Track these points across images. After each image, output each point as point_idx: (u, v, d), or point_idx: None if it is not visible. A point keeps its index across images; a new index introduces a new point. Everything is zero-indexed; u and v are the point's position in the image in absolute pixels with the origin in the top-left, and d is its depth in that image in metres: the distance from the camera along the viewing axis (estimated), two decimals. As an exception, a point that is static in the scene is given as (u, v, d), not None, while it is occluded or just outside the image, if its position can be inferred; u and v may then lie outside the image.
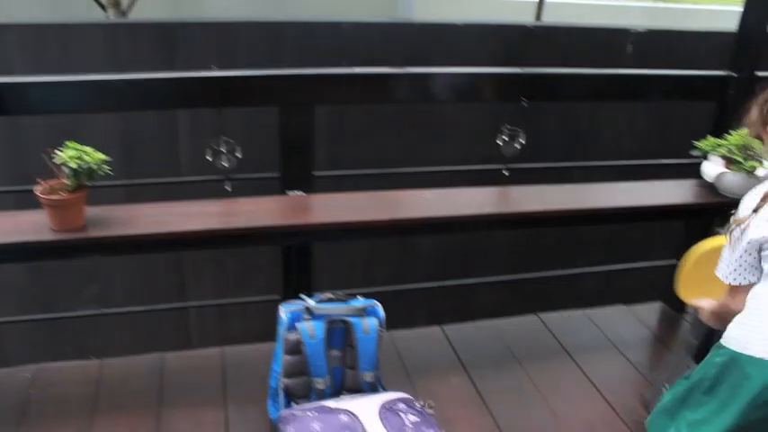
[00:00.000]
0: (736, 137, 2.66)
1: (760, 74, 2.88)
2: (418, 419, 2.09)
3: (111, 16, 6.54)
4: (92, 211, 2.25)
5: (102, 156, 2.15)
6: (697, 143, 2.77)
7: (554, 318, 3.18)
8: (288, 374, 2.30)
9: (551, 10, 8.08)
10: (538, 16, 7.87)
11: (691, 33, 5.64)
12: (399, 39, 4.83)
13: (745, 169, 2.56)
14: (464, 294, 4.49)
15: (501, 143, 2.67)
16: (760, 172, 2.63)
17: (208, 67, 2.49)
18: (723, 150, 2.67)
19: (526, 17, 7.97)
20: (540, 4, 7.89)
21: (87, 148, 2.14)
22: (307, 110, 2.53)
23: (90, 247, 2.23)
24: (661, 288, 3.31)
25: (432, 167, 3.23)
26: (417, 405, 2.19)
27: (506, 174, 2.72)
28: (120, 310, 3.33)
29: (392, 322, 2.45)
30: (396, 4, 9.06)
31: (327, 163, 4.04)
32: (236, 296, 4.56)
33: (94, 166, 2.12)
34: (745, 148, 2.60)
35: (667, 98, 3.11)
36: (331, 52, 4.55)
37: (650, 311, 3.28)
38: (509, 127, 2.65)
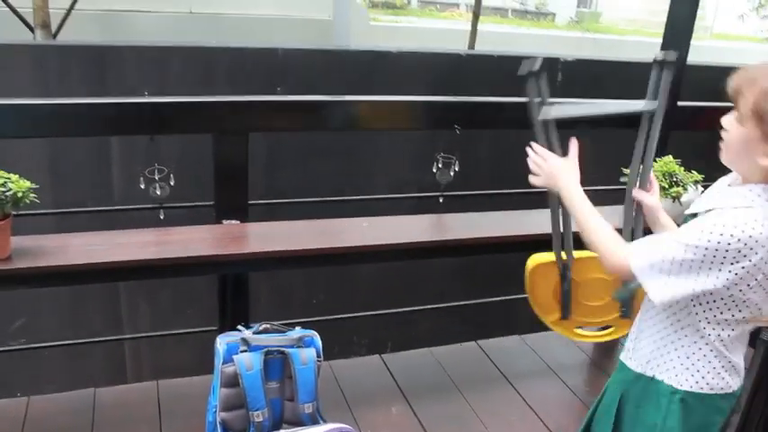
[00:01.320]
0: (662, 164, 2.75)
1: (681, 104, 3.00)
2: (358, 450, 2.07)
3: (39, 38, 6.36)
4: (18, 241, 2.17)
5: (28, 183, 2.08)
6: (625, 170, 2.86)
7: (492, 344, 3.21)
8: (225, 408, 2.24)
9: (484, 38, 8.27)
10: (471, 45, 8.03)
11: (617, 63, 5.84)
12: (335, 66, 4.85)
13: (670, 195, 2.65)
14: (404, 322, 4.50)
15: (436, 171, 2.69)
16: (684, 198, 2.73)
17: (140, 93, 2.45)
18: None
19: (460, 45, 8.13)
20: (474, 33, 8.06)
21: (12, 175, 2.07)
22: (241, 137, 2.51)
23: (16, 279, 2.15)
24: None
25: (367, 196, 3.24)
26: (357, 436, 2.16)
27: (441, 201, 2.75)
28: (48, 344, 3.21)
29: (332, 352, 2.43)
30: (332, 32, 9.12)
31: (263, 191, 4.00)
32: (173, 328, 4.45)
33: (20, 194, 2.05)
34: (669, 175, 2.69)
35: (595, 126, 3.19)
36: (266, 79, 4.54)
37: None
38: (444, 155, 2.68)
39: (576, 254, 2.27)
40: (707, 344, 1.53)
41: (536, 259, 2.36)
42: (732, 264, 1.38)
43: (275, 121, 2.71)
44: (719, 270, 1.39)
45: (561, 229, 2.20)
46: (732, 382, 1.58)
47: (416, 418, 2.66)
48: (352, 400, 2.72)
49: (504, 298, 3.72)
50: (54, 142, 4.27)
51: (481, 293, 3.58)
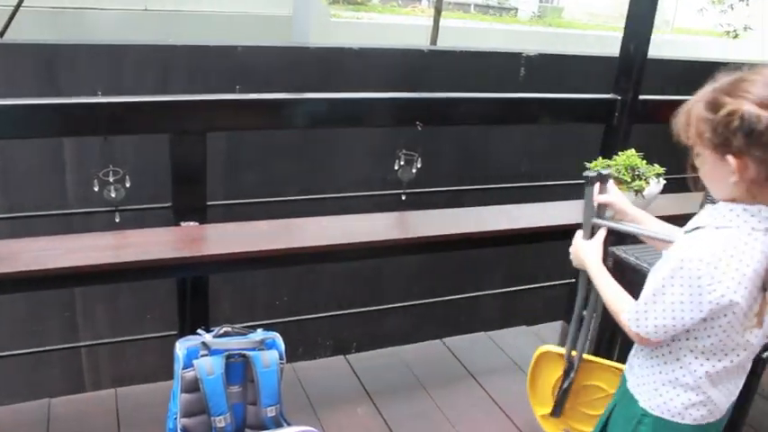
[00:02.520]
0: (624, 158, 2.76)
1: (643, 97, 3.02)
2: (323, 454, 2.04)
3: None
4: (-35, 249, 2.09)
5: (-26, 189, 2.00)
6: (588, 164, 2.87)
7: (458, 342, 3.20)
8: (186, 414, 2.19)
9: (446, 34, 8.27)
10: (433, 41, 8.03)
11: (580, 58, 5.89)
12: (295, 64, 4.80)
13: (632, 188, 2.66)
14: (368, 322, 4.47)
15: (398, 168, 2.67)
16: (647, 191, 2.74)
17: (93, 93, 2.38)
18: (612, 171, 2.77)
19: (422, 41, 8.13)
20: (436, 29, 8.06)
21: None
22: (199, 137, 2.45)
23: (-36, 288, 2.07)
24: (560, 307, 3.39)
25: (328, 195, 3.20)
26: (322, 439, 2.13)
27: (403, 198, 2.72)
28: (1, 354, 3.11)
29: (296, 353, 2.39)
30: (291, 29, 9.05)
31: (222, 192, 3.94)
32: (131, 333, 4.36)
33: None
34: (631, 169, 2.70)
35: (558, 121, 3.21)
36: (225, 77, 4.46)
37: (551, 330, 3.35)
38: (405, 152, 2.65)
39: (586, 356, 2.24)
40: (687, 374, 1.49)
41: (546, 348, 2.33)
42: (710, 293, 1.35)
43: (234, 120, 2.65)
44: (700, 302, 1.36)
45: (578, 325, 2.19)
46: (708, 415, 1.53)
47: (382, 418, 2.63)
48: (317, 402, 2.68)
49: (468, 295, 3.72)
50: (3, 145, 4.14)
51: (445, 291, 3.56)
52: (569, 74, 5.24)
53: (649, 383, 1.56)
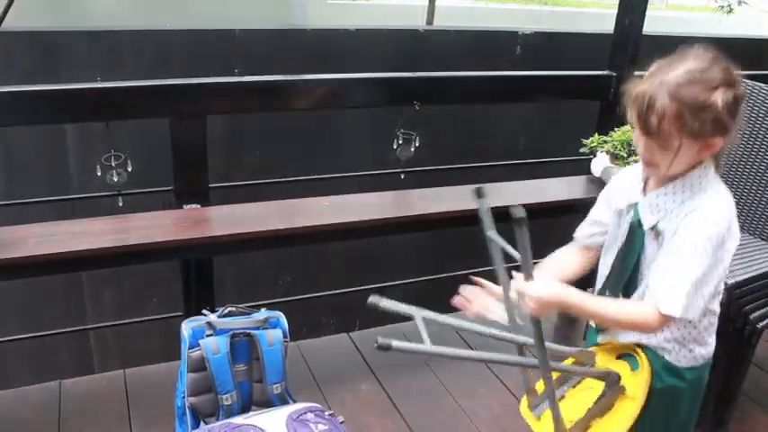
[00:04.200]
0: (620, 134, 2.79)
1: (638, 73, 3.02)
2: (327, 428, 2.08)
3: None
4: (-28, 235, 2.13)
5: (-21, 175, 2.03)
6: (585, 141, 2.89)
7: (460, 318, 3.23)
8: (193, 393, 2.24)
9: (442, 14, 8.24)
10: (429, 20, 8.00)
11: (575, 35, 5.88)
12: (293, 46, 4.81)
13: (628, 164, 2.69)
14: (370, 299, 4.51)
15: (396, 147, 2.69)
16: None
17: (93, 79, 2.40)
18: (608, 147, 2.80)
19: (418, 22, 8.10)
20: (432, 9, 8.03)
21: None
22: (199, 121, 2.48)
23: (-29, 274, 2.11)
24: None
25: (327, 174, 3.23)
26: (326, 414, 2.17)
27: (402, 177, 2.75)
28: (10, 338, 3.15)
29: (300, 332, 2.43)
30: (289, 11, 9.01)
31: (223, 174, 3.96)
32: (138, 315, 4.41)
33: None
34: (627, 144, 2.72)
35: (554, 98, 3.23)
36: (224, 60, 4.47)
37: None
38: (404, 131, 2.68)
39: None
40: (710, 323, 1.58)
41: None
42: (724, 245, 1.44)
43: (233, 103, 2.68)
44: (722, 259, 1.45)
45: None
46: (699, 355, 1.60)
47: (386, 394, 2.68)
48: (322, 379, 2.73)
49: (469, 271, 3.75)
50: (6, 132, 4.17)
51: (446, 268, 3.59)
52: (566, 51, 5.24)
53: (684, 349, 1.58)
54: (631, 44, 2.98)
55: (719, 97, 1.35)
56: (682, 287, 1.40)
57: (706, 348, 1.60)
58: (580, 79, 3.18)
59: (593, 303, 1.50)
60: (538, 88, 3.13)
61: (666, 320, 1.44)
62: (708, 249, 1.40)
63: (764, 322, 2.30)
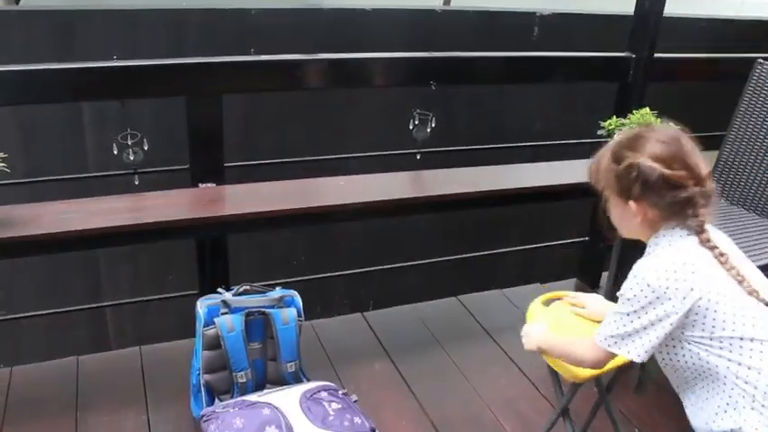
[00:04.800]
0: (638, 116, 2.75)
1: (658, 55, 2.99)
2: (341, 407, 2.09)
3: (1, 4, 6.18)
4: (-10, 212, 2.14)
5: (-2, 152, 2.05)
6: (602, 123, 2.86)
7: (473, 299, 3.24)
8: (208, 370, 2.25)
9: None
10: (447, 1, 7.93)
11: (594, 16, 5.79)
12: (309, 25, 4.78)
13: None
14: (384, 280, 4.51)
15: (412, 128, 2.68)
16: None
17: (109, 57, 2.40)
18: (626, 129, 2.76)
19: (435, 2, 8.03)
20: (449, -11, 7.95)
21: (-19, 146, 2.03)
22: (215, 100, 2.48)
23: (-11, 251, 2.13)
24: (575, 265, 3.41)
25: (342, 155, 3.22)
26: (340, 393, 2.18)
27: (418, 158, 2.74)
28: (28, 314, 3.19)
29: (313, 311, 2.43)
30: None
31: (239, 154, 3.96)
32: (153, 293, 4.44)
33: (-10, 164, 2.02)
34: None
35: (572, 80, 3.20)
36: (239, 40, 4.46)
37: (566, 288, 3.36)
38: (420, 111, 2.66)
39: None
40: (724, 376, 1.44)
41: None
42: (662, 304, 1.42)
43: (248, 81, 2.67)
44: (668, 314, 1.42)
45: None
46: None
47: (399, 374, 2.69)
48: (335, 358, 2.74)
49: (483, 253, 3.74)
50: (23, 110, 4.18)
51: (461, 250, 3.59)
52: (584, 32, 5.17)
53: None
54: (651, 26, 2.94)
55: (632, 161, 1.45)
56: (610, 320, 1.50)
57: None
58: (599, 61, 3.14)
59: (560, 343, 1.72)
60: (555, 69, 3.10)
61: (599, 354, 1.54)
62: (633, 301, 1.44)
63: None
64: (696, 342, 1.44)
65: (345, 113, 4.79)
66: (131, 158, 2.42)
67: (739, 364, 1.41)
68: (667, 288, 1.41)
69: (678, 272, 1.41)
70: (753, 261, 2.16)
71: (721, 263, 1.44)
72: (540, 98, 5.17)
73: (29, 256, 2.33)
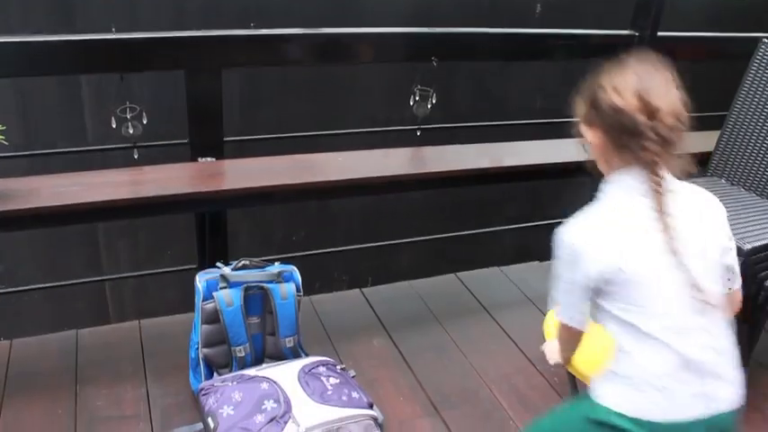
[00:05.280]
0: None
1: (662, 33, 2.97)
2: (339, 381, 2.11)
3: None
4: (-11, 185, 2.14)
5: (-4, 125, 2.03)
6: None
7: (471, 276, 3.25)
8: (207, 344, 2.27)
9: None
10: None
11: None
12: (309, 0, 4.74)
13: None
14: (383, 257, 4.52)
15: (413, 104, 2.67)
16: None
17: (108, 30, 2.38)
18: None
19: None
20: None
21: (-22, 118, 2.02)
22: (214, 74, 2.46)
23: (-12, 223, 2.13)
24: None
25: (343, 130, 3.20)
26: (338, 368, 2.20)
27: (418, 134, 2.73)
28: (28, 287, 3.20)
29: (312, 287, 2.43)
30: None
31: (238, 129, 3.95)
32: (153, 267, 4.45)
33: (-13, 136, 2.01)
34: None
35: (574, 57, 3.17)
36: (239, 15, 4.42)
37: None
38: (420, 87, 2.65)
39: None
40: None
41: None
42: (578, 264, 1.42)
43: (248, 56, 2.65)
44: (584, 276, 1.41)
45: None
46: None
47: (398, 350, 2.70)
48: (334, 333, 2.75)
49: (482, 230, 3.75)
50: (21, 82, 4.16)
51: (460, 227, 3.59)
52: (588, 9, 5.13)
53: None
54: (655, 3, 2.91)
55: (593, 85, 1.46)
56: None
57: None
58: (601, 38, 3.12)
59: (559, 346, 1.68)
60: (558, 46, 3.07)
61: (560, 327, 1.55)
62: (558, 261, 1.46)
63: (779, 288, 2.29)
64: (608, 313, 1.42)
65: (346, 89, 4.77)
66: (130, 132, 2.41)
67: (620, 349, 1.40)
68: (584, 248, 1.39)
69: (601, 233, 1.39)
70: (753, 242, 2.20)
71: (663, 228, 1.36)
72: (542, 75, 5.15)
73: (28, 230, 2.33)
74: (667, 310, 1.37)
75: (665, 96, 1.39)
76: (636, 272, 1.36)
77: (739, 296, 1.57)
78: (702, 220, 1.44)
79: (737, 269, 1.53)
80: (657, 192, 1.37)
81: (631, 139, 1.38)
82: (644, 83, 1.40)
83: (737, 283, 1.54)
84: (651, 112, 1.37)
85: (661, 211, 1.37)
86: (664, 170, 1.39)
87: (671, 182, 1.41)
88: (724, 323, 1.43)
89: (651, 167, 1.38)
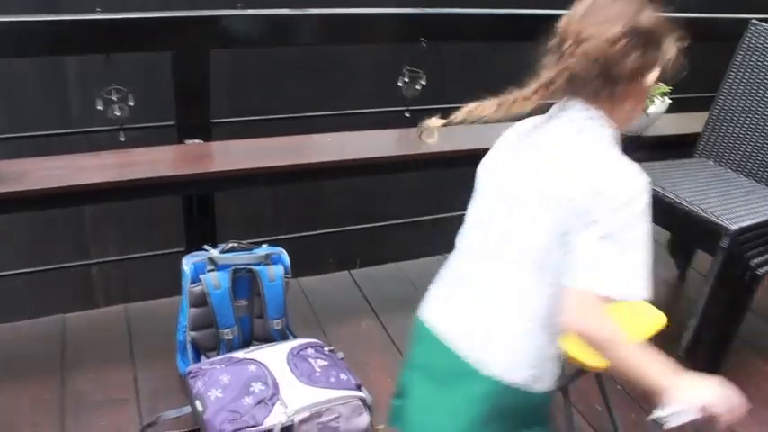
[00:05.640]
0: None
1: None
2: (327, 363, 2.11)
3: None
4: (-27, 168, 2.11)
5: (-22, 107, 2.00)
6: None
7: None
8: (195, 327, 2.26)
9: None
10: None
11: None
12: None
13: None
14: (372, 238, 4.52)
15: (402, 85, 2.65)
16: (651, 110, 2.73)
17: (92, 10, 2.35)
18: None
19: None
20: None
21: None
22: (201, 54, 2.44)
23: (-28, 207, 2.10)
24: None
25: (332, 112, 3.18)
26: (326, 350, 2.19)
27: (408, 115, 2.71)
28: (14, 272, 3.17)
29: (300, 269, 2.42)
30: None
31: (226, 111, 3.92)
32: (140, 251, 4.43)
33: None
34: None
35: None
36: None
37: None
38: (410, 68, 2.63)
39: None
40: None
41: None
42: None
43: (236, 37, 2.62)
44: None
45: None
46: None
47: (386, 332, 2.70)
48: (322, 315, 2.75)
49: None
50: (4, 63, 4.11)
51: (449, 208, 3.58)
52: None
53: None
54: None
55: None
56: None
57: None
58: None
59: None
60: (548, 27, 3.06)
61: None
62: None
63: (765, 268, 2.30)
64: None
65: (334, 70, 4.74)
66: (116, 114, 2.38)
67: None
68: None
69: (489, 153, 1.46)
70: (741, 221, 2.20)
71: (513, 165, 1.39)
72: (533, 56, 5.13)
73: (14, 213, 2.30)
74: None
75: (577, 20, 1.32)
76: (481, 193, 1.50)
77: None
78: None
79: None
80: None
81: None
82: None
83: None
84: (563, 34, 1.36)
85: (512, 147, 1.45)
86: None
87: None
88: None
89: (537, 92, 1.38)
